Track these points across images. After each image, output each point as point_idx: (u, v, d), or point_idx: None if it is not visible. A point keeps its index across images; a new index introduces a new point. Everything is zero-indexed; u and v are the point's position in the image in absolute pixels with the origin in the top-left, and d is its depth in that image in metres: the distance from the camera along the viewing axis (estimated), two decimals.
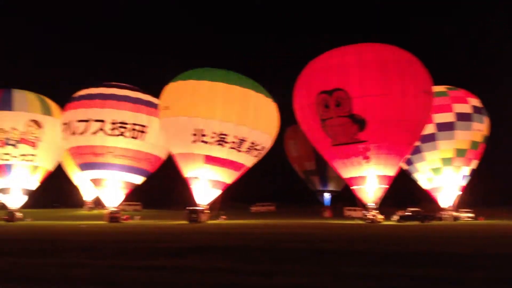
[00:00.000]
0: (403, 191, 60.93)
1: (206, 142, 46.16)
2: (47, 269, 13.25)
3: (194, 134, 46.04)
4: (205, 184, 48.11)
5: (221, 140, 46.24)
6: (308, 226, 38.65)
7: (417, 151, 52.05)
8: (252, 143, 47.69)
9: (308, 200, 77.30)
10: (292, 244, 21.05)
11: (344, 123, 43.23)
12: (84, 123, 49.52)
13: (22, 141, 50.81)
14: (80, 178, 66.87)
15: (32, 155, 51.53)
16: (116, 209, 52.42)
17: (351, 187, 46.81)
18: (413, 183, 57.51)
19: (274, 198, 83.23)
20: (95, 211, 68.35)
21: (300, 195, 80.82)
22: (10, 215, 52.64)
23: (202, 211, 48.45)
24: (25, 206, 55.27)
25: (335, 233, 29.10)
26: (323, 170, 63.29)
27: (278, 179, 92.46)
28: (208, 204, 49.27)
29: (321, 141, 46.60)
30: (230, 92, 46.67)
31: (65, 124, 51.04)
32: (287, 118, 53.37)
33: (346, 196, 58.87)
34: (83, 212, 73.36)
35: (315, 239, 23.72)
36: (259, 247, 19.64)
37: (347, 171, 45.77)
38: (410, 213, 50.39)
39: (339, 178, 52.17)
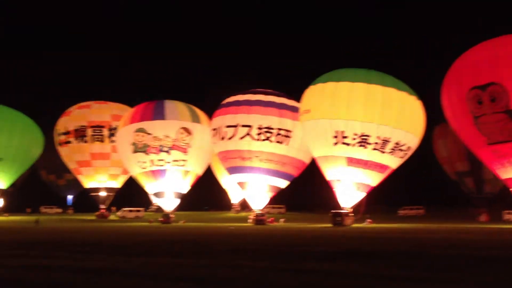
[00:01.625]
0: None
1: (347, 144, 45.58)
2: (197, 269, 13.63)
3: (335, 136, 45.74)
4: (349, 187, 47.50)
5: (363, 141, 45.34)
6: (463, 231, 36.25)
7: None
8: (397, 143, 46.03)
9: (461, 203, 72.64)
10: (445, 250, 19.73)
11: (500, 120, 40.07)
12: (232, 128, 51.76)
13: (174, 147, 54.32)
14: (228, 182, 69.73)
15: (184, 160, 54.84)
16: (261, 212, 53.68)
17: (510, 189, 43.13)
18: None
19: (423, 201, 79.41)
20: (242, 214, 70.65)
21: (452, 198, 76.27)
22: (166, 217, 56.13)
23: (346, 214, 47.83)
24: (178, 208, 58.61)
25: (495, 239, 26.88)
26: (478, 171, 58.99)
27: (426, 181, 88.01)
28: (352, 207, 48.45)
29: (474, 140, 43.62)
30: (371, 92, 45.57)
31: (214, 129, 53.85)
32: (435, 116, 50.65)
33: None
34: (230, 214, 76.28)
35: (474, 245, 22.05)
36: (408, 252, 18.73)
37: (506, 172, 42.24)
38: None
39: (496, 179, 48.33)
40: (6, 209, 76.42)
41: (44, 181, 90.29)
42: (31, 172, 79.03)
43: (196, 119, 56.68)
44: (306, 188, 73.94)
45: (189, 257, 17.34)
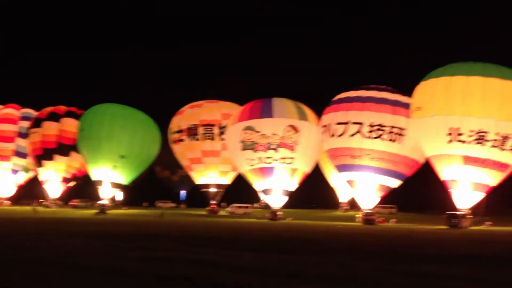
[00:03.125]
0: None
1: (463, 142, 43.35)
2: (306, 267, 13.53)
3: (449, 134, 43.71)
4: (466, 187, 44.97)
5: (480, 138, 42.93)
6: None
7: None
8: None
9: None
10: None
11: None
12: (343, 126, 51.20)
13: (282, 145, 54.71)
14: (336, 180, 68.97)
15: (291, 158, 55.09)
16: (371, 211, 52.36)
17: None
18: None
19: None
20: (350, 213, 69.54)
21: None
22: (273, 214, 56.69)
23: (463, 216, 45.25)
24: (285, 206, 58.90)
25: None
26: None
27: None
28: (470, 209, 45.78)
29: None
30: (489, 85, 43.10)
31: (324, 126, 53.49)
32: None
33: None
34: (338, 213, 75.42)
35: None
36: None
37: None
38: None
39: None
40: (125, 203, 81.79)
41: (158, 177, 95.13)
42: (149, 169, 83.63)
43: (303, 117, 56.71)
44: (420, 188, 71.08)
45: (298, 254, 17.36)
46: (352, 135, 50.35)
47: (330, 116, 53.08)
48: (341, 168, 53.45)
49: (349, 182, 53.47)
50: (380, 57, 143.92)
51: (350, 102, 51.71)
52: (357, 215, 54.47)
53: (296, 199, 64.08)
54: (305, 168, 57.33)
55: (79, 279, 11.67)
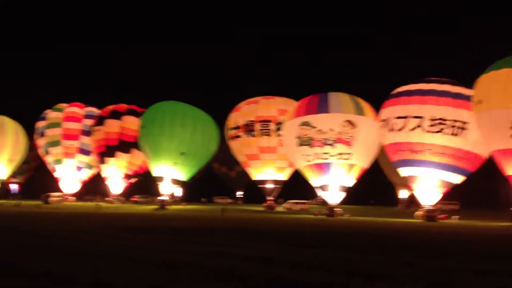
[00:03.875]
0: None
1: None
2: (369, 264, 13.41)
3: None
4: None
5: None
6: None
7: None
8: None
9: None
10: None
11: None
12: (402, 120, 50.51)
13: (339, 140, 54.15)
14: (395, 176, 67.54)
15: (348, 153, 54.47)
16: (432, 208, 51.06)
17: None
18: None
19: None
20: (410, 209, 68.14)
21: None
22: (331, 210, 56.40)
23: None
24: (343, 202, 58.35)
25: None
26: None
27: None
28: None
29: None
30: None
31: (383, 120, 52.68)
32: None
33: None
34: (398, 209, 74.10)
35: None
36: None
37: None
38: None
39: None
40: (184, 199, 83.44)
41: (216, 173, 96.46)
42: (207, 166, 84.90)
43: (360, 112, 55.88)
44: (483, 183, 68.74)
45: (359, 251, 17.19)
46: (412, 129, 49.50)
47: (389, 110, 52.39)
48: (401, 163, 52.47)
49: (409, 178, 52.38)
50: (440, 50, 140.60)
51: (410, 95, 50.90)
52: (416, 212, 53.22)
53: (354, 195, 63.29)
54: (362, 163, 56.46)
55: (139, 272, 12.04)
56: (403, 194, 75.45)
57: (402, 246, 20.08)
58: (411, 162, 50.71)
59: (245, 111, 69.96)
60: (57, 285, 10.27)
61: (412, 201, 67.36)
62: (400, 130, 50.37)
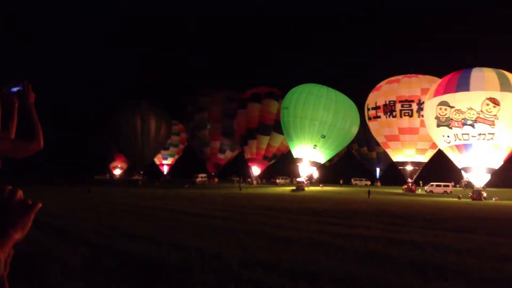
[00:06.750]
0: None
1: None
2: None
3: None
4: None
5: None
6: None
7: None
8: None
9: None
10: None
11: None
12: None
13: (479, 120, 51.73)
14: None
15: (491, 133, 51.86)
16: None
17: None
18: None
19: None
20: None
21: None
22: (477, 193, 54.77)
23: None
24: (489, 185, 55.86)
25: None
26: None
27: None
28: None
29: None
30: None
31: None
32: None
33: None
34: None
35: None
36: None
37: None
38: None
39: None
40: (321, 180, 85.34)
41: (355, 154, 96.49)
42: (346, 148, 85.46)
43: (506, 88, 52.32)
44: None
45: (509, 236, 16.35)
46: None
47: None
48: None
49: None
50: None
51: None
52: None
53: (502, 177, 60.12)
54: (510, 143, 53.40)
55: (281, 248, 12.79)
56: None
57: None
58: None
59: (385, 91, 69.53)
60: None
61: None
62: None
